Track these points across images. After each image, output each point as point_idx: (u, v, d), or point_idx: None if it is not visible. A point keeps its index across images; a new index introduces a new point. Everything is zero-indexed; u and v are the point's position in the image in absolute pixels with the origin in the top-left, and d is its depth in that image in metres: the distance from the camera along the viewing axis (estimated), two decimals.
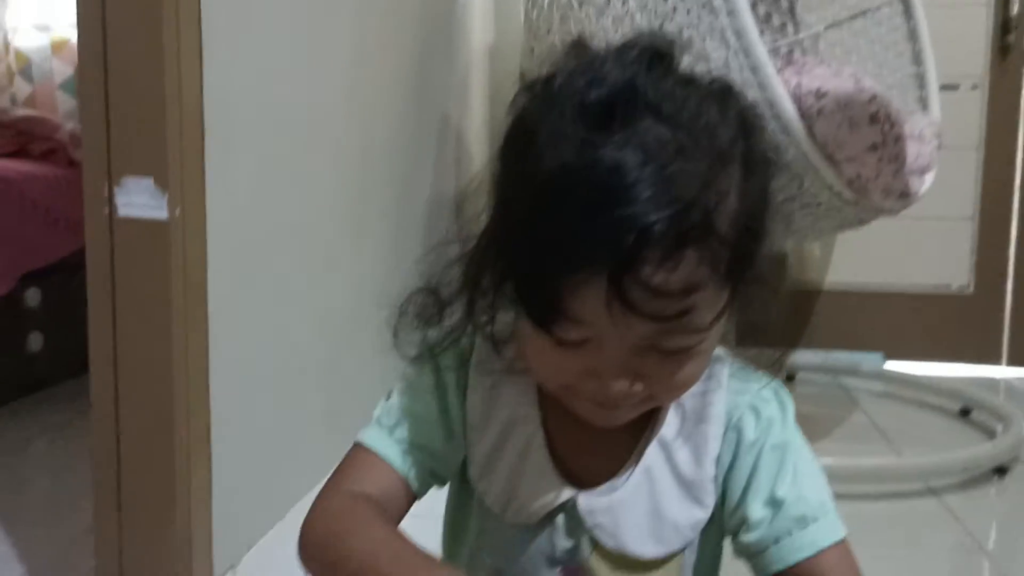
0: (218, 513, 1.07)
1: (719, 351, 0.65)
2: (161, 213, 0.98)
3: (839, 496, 0.66)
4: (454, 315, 0.65)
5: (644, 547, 0.65)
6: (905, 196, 1.74)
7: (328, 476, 0.67)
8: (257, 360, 1.18)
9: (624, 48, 0.57)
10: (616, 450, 0.66)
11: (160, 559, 1.02)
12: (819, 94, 1.60)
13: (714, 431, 0.65)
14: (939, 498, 1.64)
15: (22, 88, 2.68)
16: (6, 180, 2.09)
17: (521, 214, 0.55)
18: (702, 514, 0.66)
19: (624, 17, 1.60)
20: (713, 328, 0.57)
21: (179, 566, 1.02)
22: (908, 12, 1.95)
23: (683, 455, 0.66)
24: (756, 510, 0.64)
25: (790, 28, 2.00)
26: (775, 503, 0.64)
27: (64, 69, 2.63)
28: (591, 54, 0.58)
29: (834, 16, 1.98)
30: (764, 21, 1.90)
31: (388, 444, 0.67)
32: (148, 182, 0.98)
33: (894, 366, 2.50)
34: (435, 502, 0.72)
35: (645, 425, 0.66)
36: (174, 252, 0.99)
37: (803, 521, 0.63)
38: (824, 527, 0.64)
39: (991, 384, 2.46)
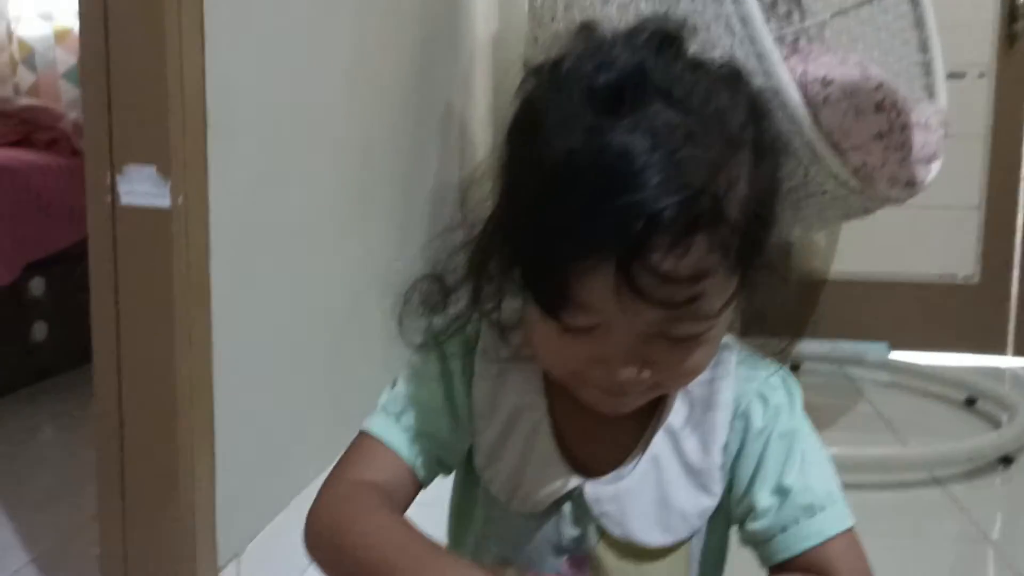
0: (222, 502, 1.07)
1: (727, 338, 0.65)
2: (163, 201, 0.98)
3: (843, 486, 0.65)
4: (459, 302, 0.65)
5: (651, 535, 0.65)
6: (911, 185, 1.73)
7: (333, 464, 0.67)
8: (260, 348, 1.18)
9: (633, 32, 0.56)
10: (623, 438, 0.66)
11: (164, 547, 1.02)
12: (825, 82, 1.59)
13: (722, 419, 0.65)
14: (944, 488, 1.64)
15: (25, 77, 2.67)
16: (10, 170, 2.09)
17: (529, 199, 0.55)
18: (710, 502, 0.65)
19: (629, 4, 1.60)
20: (722, 315, 0.57)
21: (183, 554, 1.02)
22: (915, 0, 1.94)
23: (691, 443, 0.65)
24: (763, 498, 0.64)
25: (796, 16, 1.99)
26: (782, 491, 0.63)
27: (67, 58, 2.62)
28: (599, 38, 0.57)
29: (840, 4, 1.97)
30: (770, 9, 1.89)
31: (394, 432, 0.66)
32: (150, 170, 0.98)
33: (899, 356, 2.50)
34: (441, 490, 0.72)
35: (652, 413, 0.66)
36: (176, 240, 0.98)
37: (810, 510, 0.63)
38: (831, 516, 0.63)
39: (996, 374, 2.45)
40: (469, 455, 0.69)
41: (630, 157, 0.50)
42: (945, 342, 2.56)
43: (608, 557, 0.66)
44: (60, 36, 2.65)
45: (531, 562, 0.66)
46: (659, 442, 0.65)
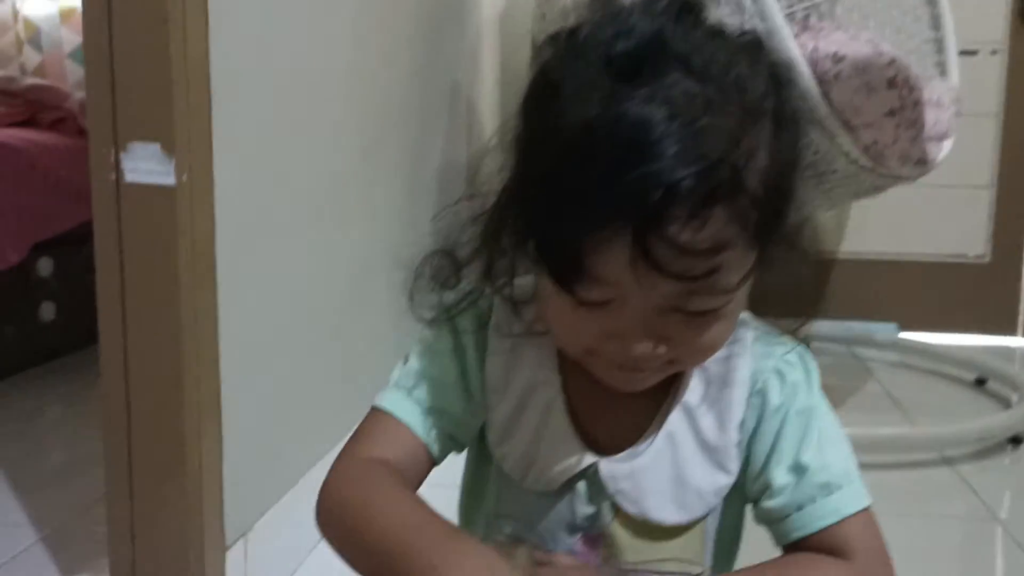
0: (229, 480, 1.07)
1: (744, 315, 0.64)
2: (168, 179, 0.97)
3: None
4: (471, 276, 0.64)
5: (666, 513, 0.64)
6: (922, 163, 1.72)
7: (342, 442, 0.66)
8: (267, 324, 1.17)
9: (651, 0, 0.55)
10: (638, 416, 0.65)
11: (172, 526, 1.02)
12: (836, 58, 1.57)
13: (738, 396, 0.64)
14: (953, 468, 1.63)
15: (31, 57, 2.66)
16: (16, 150, 2.08)
17: (544, 169, 0.53)
18: (726, 480, 0.64)
19: None
20: (739, 290, 0.56)
21: (191, 533, 1.02)
22: None
23: (707, 421, 0.64)
24: (779, 476, 0.63)
25: None
26: (799, 469, 0.63)
27: (73, 38, 2.61)
28: (617, 6, 0.56)
29: None
30: None
31: (407, 408, 0.65)
32: (155, 147, 0.97)
33: (909, 336, 2.49)
34: (453, 469, 0.71)
35: (668, 391, 0.65)
36: (181, 217, 0.98)
37: (827, 488, 0.62)
38: (848, 495, 0.62)
39: (1007, 354, 2.44)
40: (482, 432, 0.68)
41: (648, 127, 0.49)
42: (955, 322, 2.55)
43: (622, 535, 0.65)
44: (65, 15, 2.63)
45: (544, 540, 0.66)
46: (675, 419, 0.64)
